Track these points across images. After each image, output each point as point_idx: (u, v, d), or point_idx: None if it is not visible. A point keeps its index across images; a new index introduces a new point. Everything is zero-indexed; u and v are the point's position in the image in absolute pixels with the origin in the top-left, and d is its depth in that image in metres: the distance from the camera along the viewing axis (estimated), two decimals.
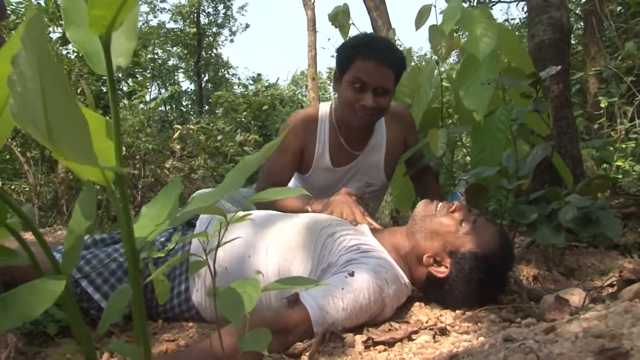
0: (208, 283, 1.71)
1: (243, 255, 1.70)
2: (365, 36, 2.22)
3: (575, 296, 1.39)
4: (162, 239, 1.83)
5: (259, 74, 13.55)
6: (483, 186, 1.84)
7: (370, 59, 2.07)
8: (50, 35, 6.84)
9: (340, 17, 2.97)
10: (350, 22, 3.02)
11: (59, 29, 6.93)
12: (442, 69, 2.86)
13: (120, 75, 9.08)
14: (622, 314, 0.89)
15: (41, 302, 0.54)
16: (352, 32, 3.02)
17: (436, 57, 2.65)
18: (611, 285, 1.61)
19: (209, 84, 19.82)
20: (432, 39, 2.50)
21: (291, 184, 2.47)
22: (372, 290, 1.47)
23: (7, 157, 6.84)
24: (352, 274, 1.48)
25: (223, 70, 20.80)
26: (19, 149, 6.23)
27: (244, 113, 7.98)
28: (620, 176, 3.68)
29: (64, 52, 7.03)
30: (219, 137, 7.49)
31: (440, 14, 2.43)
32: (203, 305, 1.72)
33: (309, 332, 1.37)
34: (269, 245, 1.70)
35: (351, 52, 2.12)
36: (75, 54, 6.98)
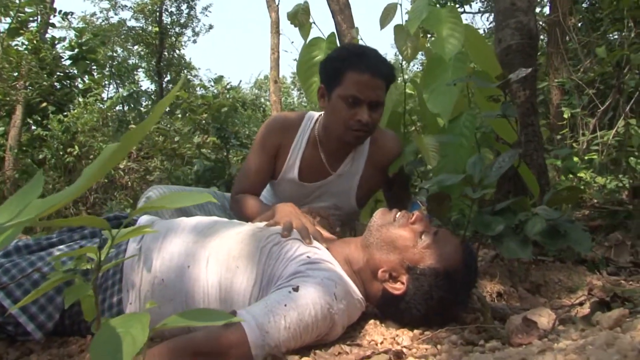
0: (143, 295, 1.53)
1: (182, 266, 1.53)
2: (354, 47, 2.09)
3: (544, 318, 1.26)
4: (95, 246, 1.64)
5: (221, 76, 13.25)
6: (446, 195, 1.71)
7: (363, 72, 1.92)
8: None
9: (300, 16, 2.81)
10: (311, 21, 2.87)
11: (7, 19, 6.59)
12: (407, 76, 2.73)
13: (75, 71, 8.74)
14: (603, 347, 0.76)
15: None
16: (313, 33, 2.88)
17: (400, 60, 2.53)
18: (580, 304, 1.50)
19: (170, 85, 19.45)
20: (397, 39, 2.37)
21: (265, 190, 2.32)
22: (320, 306, 1.32)
23: None
24: (296, 289, 1.32)
25: (185, 71, 20.44)
26: None
27: (204, 115, 7.76)
28: (582, 187, 3.65)
29: (13, 44, 6.68)
30: (177, 139, 7.26)
31: (406, 13, 2.32)
32: None
33: (247, 355, 1.21)
34: (210, 255, 1.53)
35: (342, 65, 1.96)
36: (24, 46, 6.64)
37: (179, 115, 7.90)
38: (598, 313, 1.12)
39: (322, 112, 2.17)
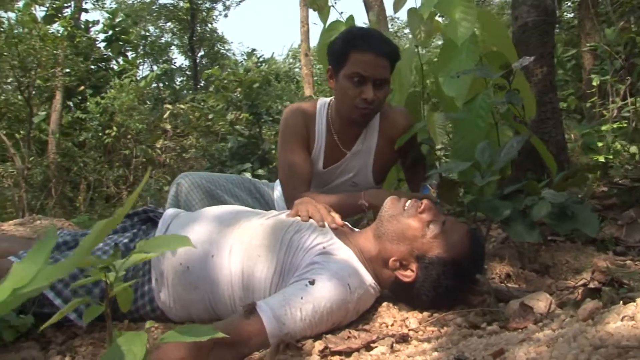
0: (171, 283, 1.66)
1: (206, 254, 1.65)
2: (358, 29, 2.19)
3: (542, 302, 1.34)
4: (126, 240, 1.77)
5: (253, 49, 13.35)
6: (456, 181, 1.77)
7: (367, 51, 2.03)
8: (35, 13, 6.68)
9: (319, 0, 2.86)
10: (330, 4, 2.91)
11: (43, 7, 6.78)
12: (424, 52, 2.77)
13: (110, 53, 8.95)
14: (569, 341, 0.83)
15: None
16: (333, 16, 2.93)
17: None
18: (584, 285, 1.56)
19: (204, 59, 19.57)
20: (410, 23, 2.41)
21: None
22: (335, 298, 1.42)
23: None
24: (312, 282, 1.42)
25: (219, 45, 20.52)
26: (4, 132, 6.15)
27: (238, 89, 7.85)
28: (611, 157, 3.61)
29: (50, 30, 6.88)
30: (210, 116, 7.40)
31: None
32: (168, 306, 1.67)
33: (265, 344, 1.33)
34: (233, 245, 1.64)
35: (347, 46, 2.07)
36: (60, 33, 6.83)
37: (213, 92, 8.02)
38: (588, 299, 1.19)
39: (333, 97, 2.26)
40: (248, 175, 6.41)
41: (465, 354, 1.02)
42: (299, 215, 1.77)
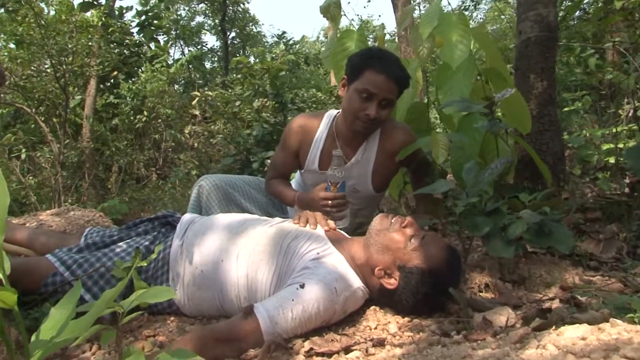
0: (186, 283, 1.89)
1: (217, 260, 1.88)
2: (378, 50, 2.34)
3: (503, 316, 1.51)
4: (147, 243, 2.01)
5: (284, 32, 13.48)
6: (439, 198, 1.94)
7: (380, 73, 2.19)
8: (72, 1, 6.93)
9: (332, 10, 3.01)
10: (342, 13, 3.07)
11: None
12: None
13: (143, 39, 9.22)
14: None
15: None
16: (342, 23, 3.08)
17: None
18: (551, 299, 1.72)
19: (236, 40, 19.74)
20: (413, 40, 2.56)
21: (297, 177, 2.76)
22: (322, 300, 1.62)
23: (32, 126, 7.10)
24: (302, 286, 1.63)
25: (250, 25, 20.68)
26: (42, 118, 6.47)
27: (265, 77, 8.02)
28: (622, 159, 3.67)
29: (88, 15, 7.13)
30: (238, 103, 7.61)
31: (419, 18, 2.48)
32: (182, 303, 1.90)
33: (260, 341, 1.54)
34: (239, 251, 1.87)
35: (363, 63, 2.24)
36: (96, 19, 7.08)
37: (240, 79, 8.22)
38: (537, 319, 1.36)
39: (340, 110, 2.44)
40: None
41: None
42: (299, 223, 1.99)
